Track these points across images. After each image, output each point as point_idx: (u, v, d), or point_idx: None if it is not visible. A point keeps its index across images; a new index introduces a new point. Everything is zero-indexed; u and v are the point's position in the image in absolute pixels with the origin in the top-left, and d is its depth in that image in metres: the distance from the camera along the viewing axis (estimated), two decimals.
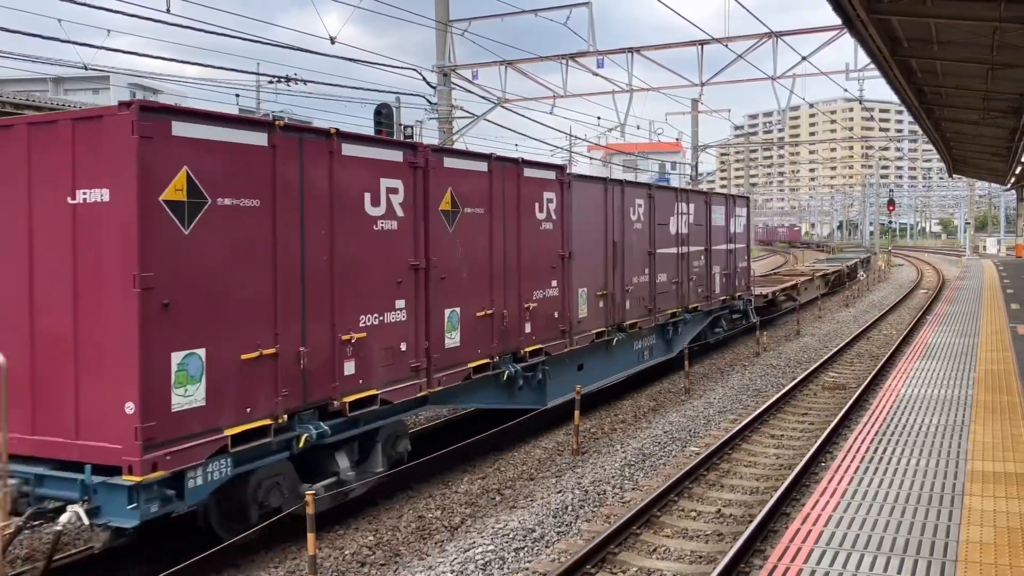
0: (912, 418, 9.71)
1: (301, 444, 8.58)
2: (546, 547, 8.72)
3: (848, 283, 40.90)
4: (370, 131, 20.27)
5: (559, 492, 10.49)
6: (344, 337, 9.08)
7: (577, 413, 12.64)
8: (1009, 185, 46.07)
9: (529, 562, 8.32)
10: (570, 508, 9.86)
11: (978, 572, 5.48)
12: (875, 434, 9.02)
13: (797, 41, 21.43)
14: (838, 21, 11.34)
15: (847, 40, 15.50)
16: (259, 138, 8.20)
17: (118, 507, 7.10)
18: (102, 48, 15.12)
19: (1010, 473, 7.54)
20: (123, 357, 7.11)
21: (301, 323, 8.57)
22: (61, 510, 7.26)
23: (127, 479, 7.01)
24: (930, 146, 37.43)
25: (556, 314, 13.44)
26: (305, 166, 8.73)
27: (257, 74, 31.83)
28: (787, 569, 5.61)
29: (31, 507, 7.50)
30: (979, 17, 10.72)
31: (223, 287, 7.80)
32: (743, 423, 13.31)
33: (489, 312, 11.74)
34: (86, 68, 16.88)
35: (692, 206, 19.43)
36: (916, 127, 29.50)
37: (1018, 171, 31.97)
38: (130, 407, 7.06)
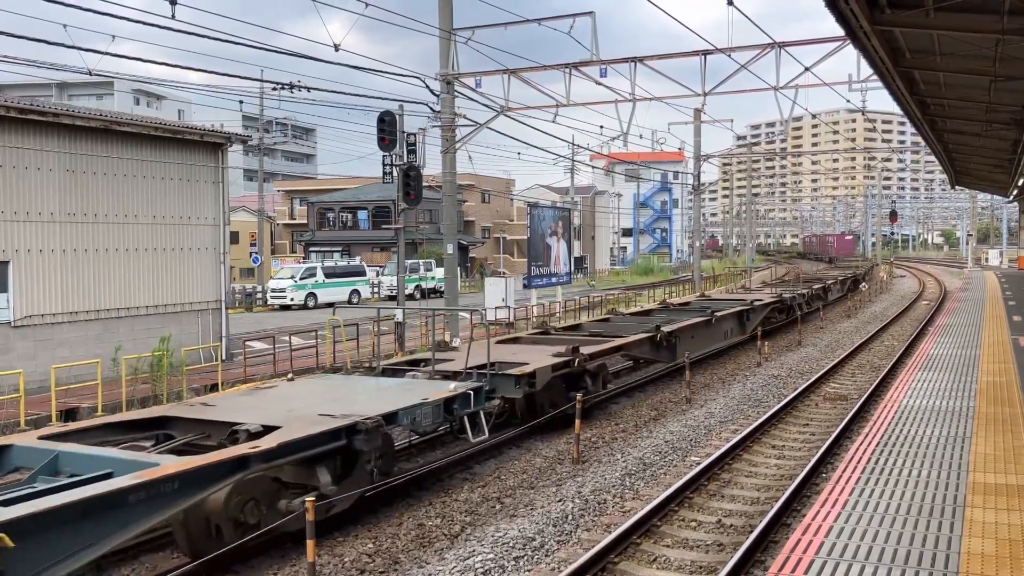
0: (913, 429, 9.69)
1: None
2: (546, 556, 8.70)
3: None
4: (374, 139, 20.33)
5: (559, 501, 10.46)
6: None
7: (578, 422, 12.62)
8: (1011, 197, 46.04)
9: (529, 571, 8.30)
10: (570, 517, 9.84)
11: None
12: (876, 445, 9.00)
13: (800, 52, 21.44)
14: (841, 32, 11.36)
15: (850, 51, 15.51)
16: None
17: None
18: (107, 54, 15.17)
19: (1011, 485, 7.52)
20: None
21: None
22: None
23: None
24: (932, 157, 37.46)
25: None
26: None
27: (261, 81, 31.88)
28: None
29: None
30: (981, 29, 10.73)
31: None
32: (744, 433, 13.28)
33: None
34: (90, 74, 16.91)
35: None
36: (918, 138, 29.51)
37: (1020, 183, 31.96)
38: None
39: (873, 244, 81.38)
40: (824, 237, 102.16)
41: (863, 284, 45.94)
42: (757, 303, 25.19)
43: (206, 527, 8.33)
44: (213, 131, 23.70)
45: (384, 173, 20.94)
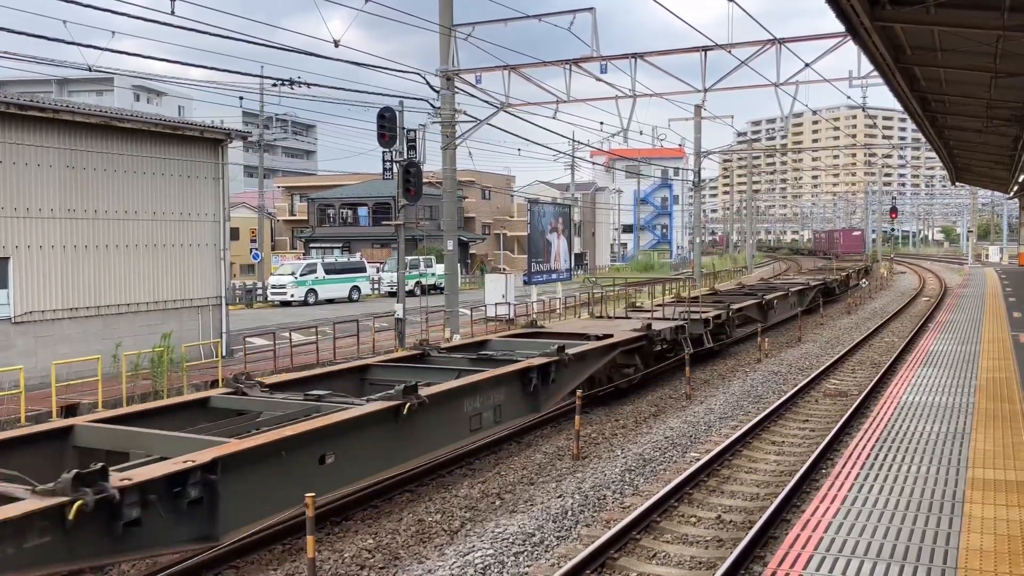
0: (913, 425, 9.70)
1: None
2: (546, 552, 8.71)
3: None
4: (375, 135, 20.34)
5: (559, 497, 10.48)
6: None
7: (577, 418, 12.63)
8: (1012, 193, 46.05)
9: (528, 567, 8.31)
10: (570, 513, 9.85)
11: None
12: (876, 441, 9.01)
13: (800, 48, 21.48)
14: (842, 28, 11.35)
15: (851, 47, 15.51)
16: None
17: None
18: (106, 50, 15.16)
19: (1011, 481, 7.53)
20: None
21: None
22: None
23: None
24: (933, 154, 37.43)
25: None
26: None
27: (261, 77, 31.90)
28: (787, 575, 5.60)
29: None
30: (982, 25, 10.73)
31: None
32: (744, 429, 13.29)
33: None
34: (90, 70, 16.91)
35: None
36: (919, 135, 29.48)
37: (1021, 179, 31.95)
38: None
39: (873, 240, 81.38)
40: (832, 233, 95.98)
41: (863, 280, 45.71)
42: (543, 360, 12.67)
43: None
44: (213, 127, 23.70)
45: (384, 169, 20.95)
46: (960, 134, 23.59)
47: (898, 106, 18.55)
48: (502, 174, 73.62)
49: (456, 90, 22.78)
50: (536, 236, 30.98)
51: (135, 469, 7.07)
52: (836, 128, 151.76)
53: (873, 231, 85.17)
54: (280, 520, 8.56)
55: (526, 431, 13.94)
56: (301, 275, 42.17)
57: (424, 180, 21.47)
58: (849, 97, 27.30)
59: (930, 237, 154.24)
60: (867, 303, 38.14)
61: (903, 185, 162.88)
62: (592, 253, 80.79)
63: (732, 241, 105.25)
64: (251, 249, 49.52)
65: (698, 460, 11.75)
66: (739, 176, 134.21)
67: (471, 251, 65.67)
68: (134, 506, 6.56)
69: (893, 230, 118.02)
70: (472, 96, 23.53)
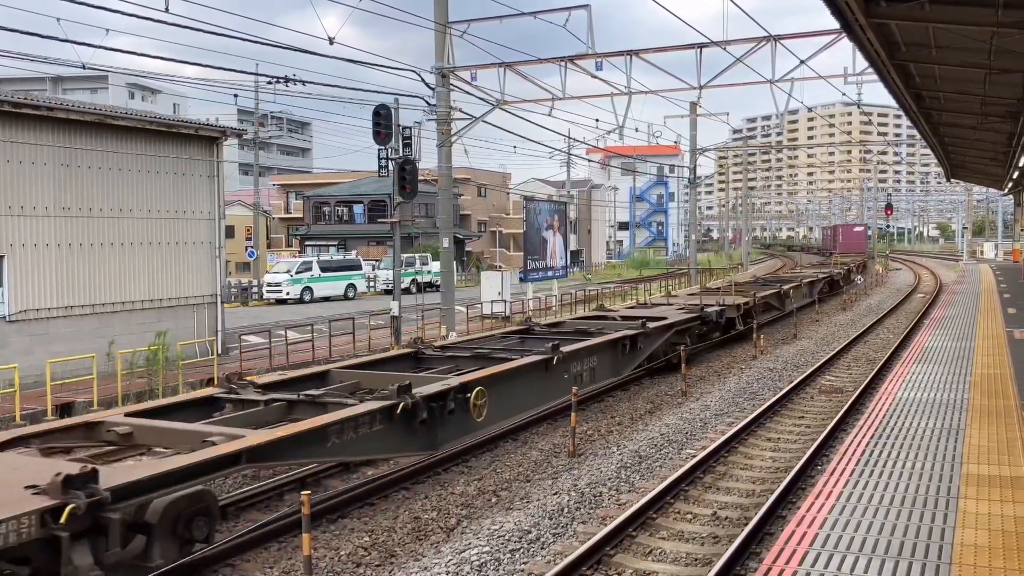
0: (908, 421, 9.72)
1: None
2: (542, 549, 8.72)
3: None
4: (370, 132, 20.33)
5: (555, 494, 10.49)
6: None
7: (574, 415, 12.65)
8: (1007, 190, 46.09)
9: (525, 564, 8.32)
10: (566, 510, 9.86)
11: (972, 575, 5.49)
12: (871, 437, 9.03)
13: (796, 45, 21.49)
14: (837, 25, 11.35)
15: (846, 44, 15.53)
16: None
17: None
18: (101, 47, 15.12)
19: (1005, 476, 7.55)
20: None
21: None
22: None
23: None
24: (928, 150, 37.48)
25: None
26: None
27: (256, 74, 31.89)
28: (782, 571, 5.61)
29: None
30: (977, 22, 10.74)
31: None
32: (740, 426, 13.31)
33: None
34: (84, 67, 16.87)
35: None
36: (914, 131, 29.53)
37: (1015, 176, 32.01)
38: None
39: (869, 237, 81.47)
40: (836, 228, 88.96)
41: (859, 279, 45.59)
42: None
43: None
44: (208, 125, 23.64)
45: (380, 167, 20.97)
46: (955, 131, 23.61)
47: (893, 103, 18.58)
48: (498, 171, 73.64)
49: (452, 87, 22.76)
50: (532, 233, 30.98)
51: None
52: (831, 125, 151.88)
53: (869, 228, 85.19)
54: (276, 517, 8.57)
55: (521, 428, 13.91)
56: (297, 273, 42.12)
57: (420, 178, 21.46)
58: (844, 94, 27.36)
59: (925, 234, 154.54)
60: (863, 299, 38.22)
61: (898, 182, 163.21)
62: (588, 250, 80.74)
63: (727, 238, 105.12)
64: (247, 247, 49.47)
65: (694, 457, 11.76)
66: (735, 173, 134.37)
67: (467, 248, 65.66)
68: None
69: (888, 227, 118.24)
70: (468, 93, 23.55)
